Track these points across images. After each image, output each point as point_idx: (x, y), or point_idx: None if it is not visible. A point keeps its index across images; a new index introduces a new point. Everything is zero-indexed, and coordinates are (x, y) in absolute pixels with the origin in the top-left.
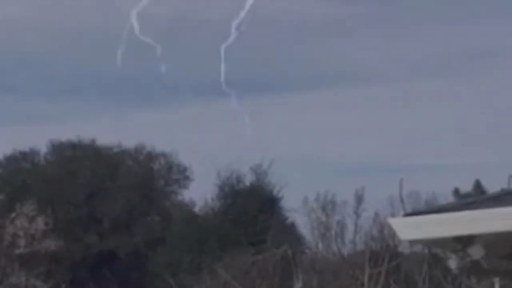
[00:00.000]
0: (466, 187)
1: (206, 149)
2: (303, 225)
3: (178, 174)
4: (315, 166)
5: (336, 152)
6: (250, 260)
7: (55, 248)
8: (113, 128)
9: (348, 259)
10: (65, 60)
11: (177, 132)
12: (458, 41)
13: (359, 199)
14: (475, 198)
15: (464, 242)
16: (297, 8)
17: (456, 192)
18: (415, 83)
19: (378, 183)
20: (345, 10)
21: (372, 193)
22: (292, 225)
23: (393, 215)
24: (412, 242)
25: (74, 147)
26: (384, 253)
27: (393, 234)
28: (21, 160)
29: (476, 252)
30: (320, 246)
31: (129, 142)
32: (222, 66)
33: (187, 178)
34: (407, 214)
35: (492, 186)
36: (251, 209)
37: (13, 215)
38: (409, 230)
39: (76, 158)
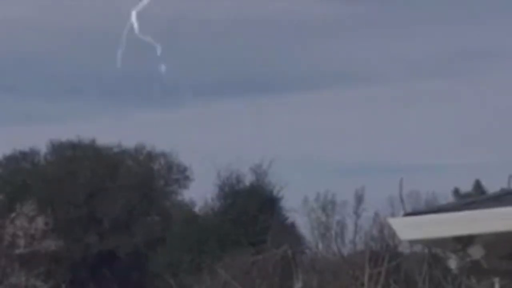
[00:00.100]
0: (466, 187)
1: (206, 149)
2: (303, 225)
3: (178, 174)
4: (315, 166)
5: (336, 152)
6: (250, 260)
7: (55, 248)
8: (113, 128)
9: (348, 259)
10: (65, 60)
11: (177, 132)
12: (458, 41)
13: (359, 199)
14: (475, 198)
15: (464, 242)
16: (297, 8)
17: (456, 192)
18: (415, 83)
19: (378, 183)
20: (345, 10)
21: (372, 193)
22: (292, 225)
23: (393, 215)
24: (412, 242)
25: (74, 147)
26: (384, 253)
27: (393, 234)
28: (21, 160)
29: (476, 252)
30: (320, 246)
31: (129, 142)
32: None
33: (187, 178)
34: (407, 214)
35: (492, 186)
36: (251, 209)
37: (13, 215)
38: (409, 230)
39: (76, 158)
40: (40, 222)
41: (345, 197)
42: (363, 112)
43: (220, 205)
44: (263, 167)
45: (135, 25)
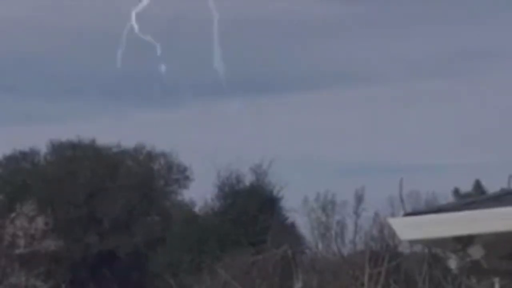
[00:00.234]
0: (466, 187)
1: (206, 149)
2: (303, 225)
3: (178, 174)
4: (315, 166)
5: (336, 152)
6: (250, 260)
7: (55, 248)
8: (113, 128)
9: (348, 259)
10: (65, 60)
11: (177, 132)
12: (458, 41)
13: (359, 199)
14: (475, 198)
15: (464, 242)
16: (297, 8)
17: (456, 192)
18: (415, 83)
19: (378, 183)
20: (345, 10)
21: (372, 193)
22: (292, 225)
23: (393, 215)
24: (412, 242)
25: (74, 147)
26: (384, 253)
27: (393, 234)
28: (21, 160)
29: (476, 252)
30: (320, 246)
31: (129, 142)
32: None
33: (187, 178)
34: (407, 214)
35: (492, 186)
36: (251, 209)
37: (13, 215)
38: (409, 230)
39: (76, 158)
40: (40, 222)
41: (345, 197)
42: (363, 112)
43: (220, 205)
44: (263, 167)
45: (135, 25)
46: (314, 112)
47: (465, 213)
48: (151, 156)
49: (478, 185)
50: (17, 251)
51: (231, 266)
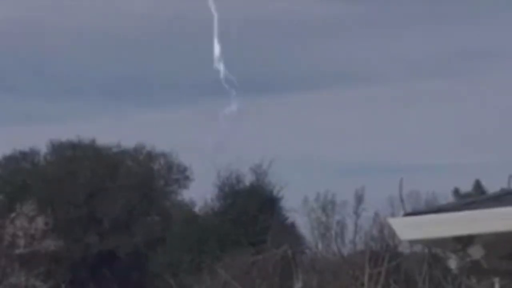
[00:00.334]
0: (466, 187)
1: (206, 149)
2: (303, 225)
3: (178, 174)
4: (315, 166)
5: (336, 152)
6: (250, 260)
7: (55, 248)
8: (113, 128)
9: (348, 259)
10: (65, 60)
11: (177, 132)
12: (458, 41)
13: (359, 199)
14: (475, 198)
15: (464, 242)
16: (297, 8)
17: (456, 192)
18: (415, 83)
19: (378, 183)
20: (345, 10)
21: (372, 193)
22: (292, 225)
23: (393, 215)
24: (412, 242)
25: (74, 147)
26: (384, 253)
27: (393, 234)
28: (21, 160)
29: (476, 252)
30: (320, 246)
31: (129, 142)
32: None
33: (187, 178)
34: (407, 214)
35: (492, 186)
36: (251, 209)
37: (13, 215)
38: (409, 230)
39: (76, 158)
40: (40, 222)
41: (345, 197)
42: (363, 112)
43: (220, 205)
44: (263, 167)
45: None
46: (314, 112)
47: (465, 213)
48: (151, 156)
49: (478, 185)
50: (17, 251)
51: (231, 266)
